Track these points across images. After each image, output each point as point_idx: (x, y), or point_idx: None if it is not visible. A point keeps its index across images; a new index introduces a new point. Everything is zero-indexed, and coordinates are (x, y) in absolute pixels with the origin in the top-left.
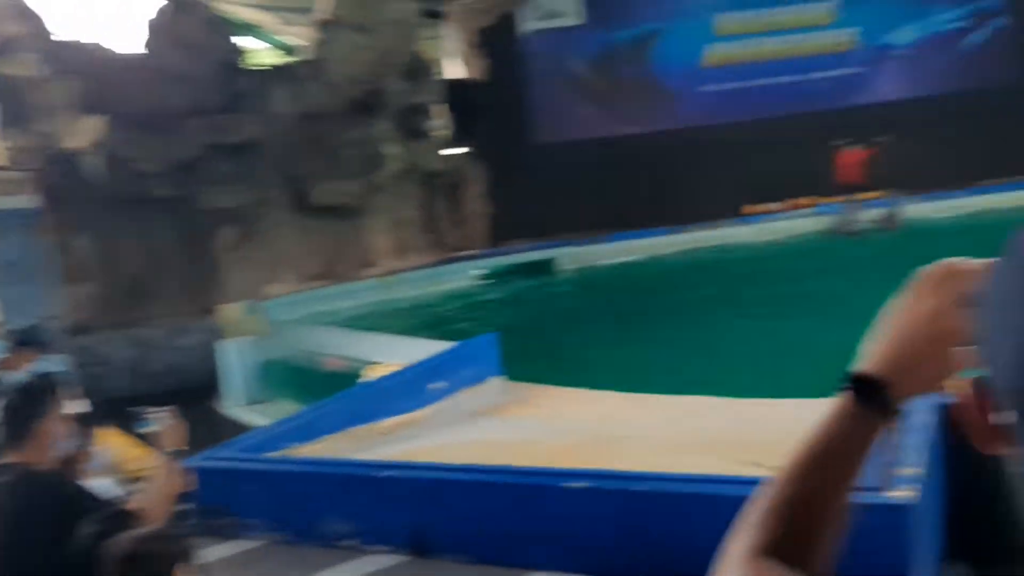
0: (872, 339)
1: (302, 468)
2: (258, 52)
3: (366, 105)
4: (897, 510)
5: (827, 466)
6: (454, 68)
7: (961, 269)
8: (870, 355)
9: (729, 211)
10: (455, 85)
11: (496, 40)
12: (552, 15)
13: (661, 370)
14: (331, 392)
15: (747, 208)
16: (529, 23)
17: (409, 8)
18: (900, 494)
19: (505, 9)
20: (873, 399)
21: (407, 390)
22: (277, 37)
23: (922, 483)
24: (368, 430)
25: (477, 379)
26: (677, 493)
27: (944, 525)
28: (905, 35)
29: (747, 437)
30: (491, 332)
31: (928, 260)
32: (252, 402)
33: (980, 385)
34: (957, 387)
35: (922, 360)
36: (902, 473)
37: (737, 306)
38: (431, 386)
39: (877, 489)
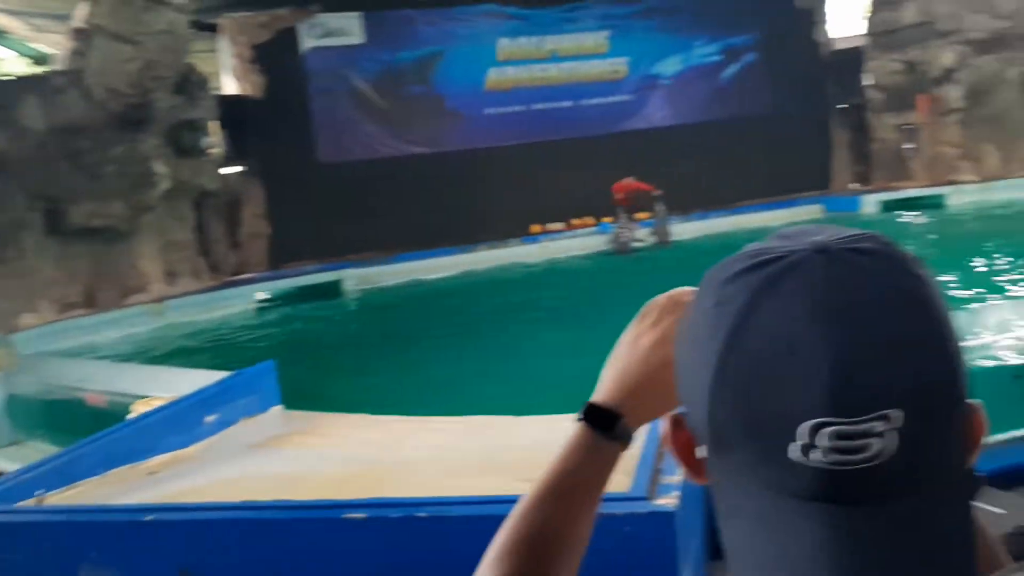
0: (607, 367)
1: (56, 517)
2: (4, 60)
3: (132, 120)
4: (662, 517)
5: (566, 496)
6: (231, 83)
7: (683, 299)
8: (603, 384)
9: (517, 231)
10: (231, 101)
11: (275, 56)
12: (333, 33)
13: (447, 391)
14: (93, 431)
15: (533, 228)
16: (309, 40)
17: (178, 19)
18: (664, 501)
19: (284, 24)
20: (607, 428)
21: (177, 425)
22: (29, 45)
23: (682, 490)
24: (133, 470)
25: (254, 410)
26: (461, 516)
27: (705, 528)
28: (670, 66)
29: (535, 455)
30: (269, 359)
31: (692, 277)
32: None
33: (676, 420)
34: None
35: (651, 388)
36: (667, 481)
37: (522, 323)
38: (204, 419)
39: (644, 498)
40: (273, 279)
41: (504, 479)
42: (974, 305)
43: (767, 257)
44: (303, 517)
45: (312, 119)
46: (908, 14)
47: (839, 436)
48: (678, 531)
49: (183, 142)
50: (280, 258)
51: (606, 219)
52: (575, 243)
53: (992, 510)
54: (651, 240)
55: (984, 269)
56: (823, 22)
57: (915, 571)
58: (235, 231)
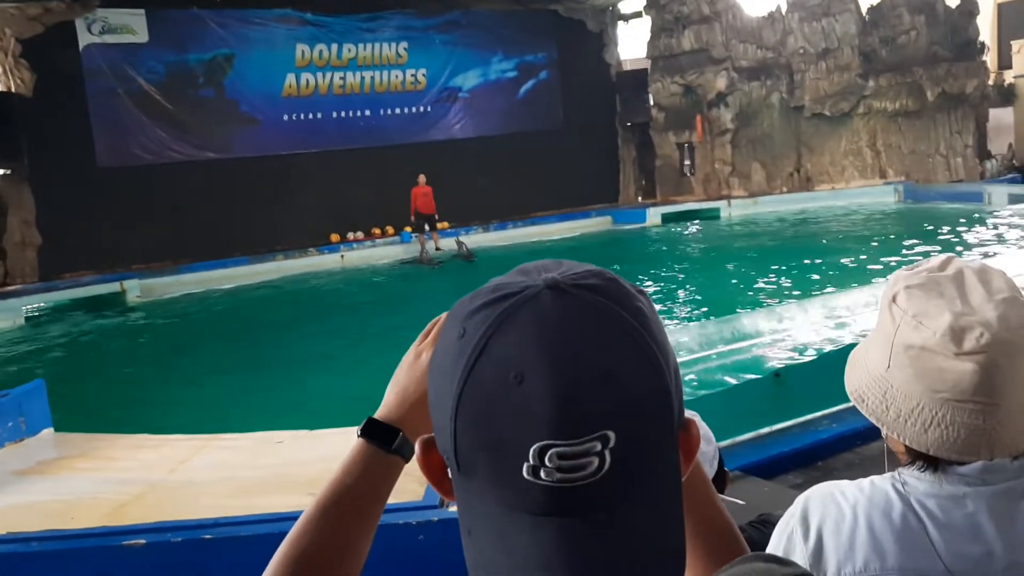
0: (390, 383)
1: None
2: None
3: None
4: (454, 524)
5: (345, 510)
6: None
7: None
8: (385, 400)
9: (315, 240)
10: None
11: (48, 52)
12: (115, 30)
13: (238, 405)
14: None
15: (332, 237)
16: (88, 37)
17: None
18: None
19: (59, 19)
20: (386, 443)
21: None
22: None
23: None
24: None
25: (21, 433)
26: (251, 536)
27: None
28: (469, 80)
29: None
30: (38, 378)
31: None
32: None
33: (427, 443)
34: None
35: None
36: None
37: (318, 334)
38: None
39: (436, 506)
40: (45, 291)
41: (298, 496)
42: (742, 309)
43: (505, 292)
44: (76, 547)
45: (91, 121)
46: (686, 41)
47: (561, 456)
48: None
49: None
50: (53, 268)
51: (407, 229)
52: (375, 253)
53: (735, 501)
54: (455, 251)
55: (748, 276)
56: (613, 44)
57: (635, 571)
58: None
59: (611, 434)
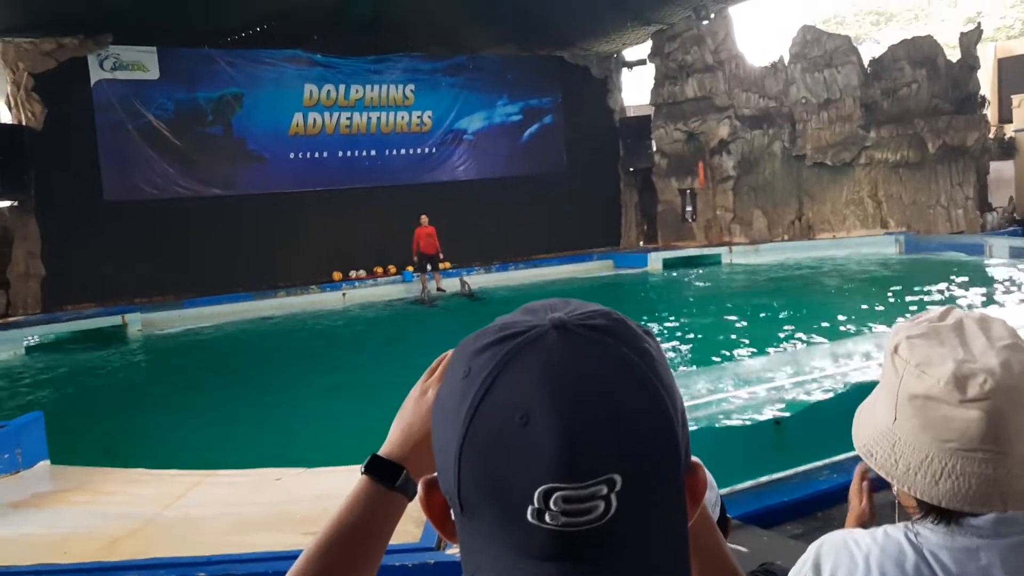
0: (395, 421)
1: None
2: None
3: None
4: (450, 567)
5: (348, 548)
6: (5, 113)
7: None
8: (390, 437)
9: (317, 277)
10: (5, 131)
11: (60, 86)
12: (126, 66)
13: (237, 442)
14: None
15: (335, 275)
16: (100, 72)
17: None
18: (454, 551)
19: (72, 54)
20: (390, 480)
21: None
22: None
23: None
24: None
25: (16, 466)
26: (244, 575)
27: None
28: (474, 122)
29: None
30: (37, 410)
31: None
32: None
33: (430, 483)
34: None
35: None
36: None
37: (320, 372)
38: None
39: (433, 548)
40: (47, 322)
41: (295, 535)
42: (741, 356)
43: (511, 331)
44: None
45: (99, 155)
46: (689, 89)
47: (566, 500)
48: None
49: None
50: (56, 300)
51: (409, 268)
52: (377, 291)
53: (738, 548)
54: (458, 290)
55: (748, 323)
56: (617, 90)
57: None
58: (3, 270)
59: (617, 478)
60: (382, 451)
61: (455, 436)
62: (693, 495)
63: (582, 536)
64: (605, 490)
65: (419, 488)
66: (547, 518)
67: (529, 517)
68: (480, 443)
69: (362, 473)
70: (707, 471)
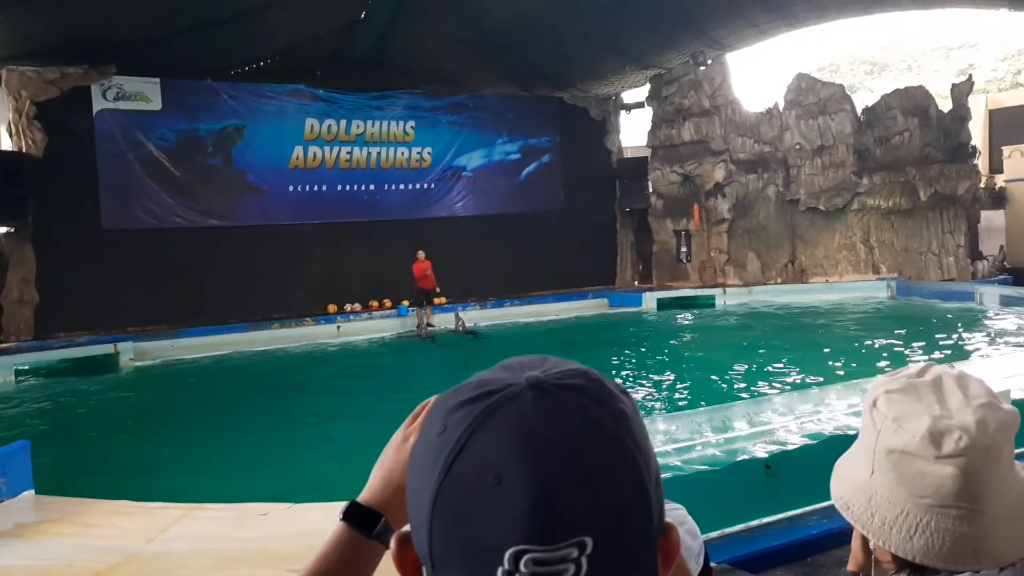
0: (376, 466)
1: None
2: None
3: None
4: None
5: None
6: (6, 139)
7: None
8: (370, 483)
9: (313, 310)
10: (4, 157)
11: (62, 115)
12: (129, 96)
13: (225, 475)
14: None
15: (331, 307)
16: (102, 102)
17: None
18: None
19: (75, 83)
20: (368, 528)
21: None
22: None
23: None
24: None
25: (2, 495)
26: None
27: None
28: (474, 160)
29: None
30: (23, 439)
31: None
32: None
33: (403, 539)
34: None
35: None
36: None
37: (312, 405)
38: None
39: None
40: (38, 349)
41: (278, 570)
42: (733, 399)
43: (487, 389)
44: None
45: (97, 183)
46: (686, 133)
47: (536, 563)
48: None
49: None
50: (48, 327)
51: (404, 303)
52: (372, 325)
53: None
54: (454, 326)
55: (741, 365)
56: (615, 132)
57: None
58: None
59: (588, 540)
60: (361, 497)
61: (428, 494)
62: (666, 557)
63: None
64: (576, 552)
65: (392, 543)
66: None
67: None
68: (452, 502)
69: (340, 519)
70: (691, 519)
